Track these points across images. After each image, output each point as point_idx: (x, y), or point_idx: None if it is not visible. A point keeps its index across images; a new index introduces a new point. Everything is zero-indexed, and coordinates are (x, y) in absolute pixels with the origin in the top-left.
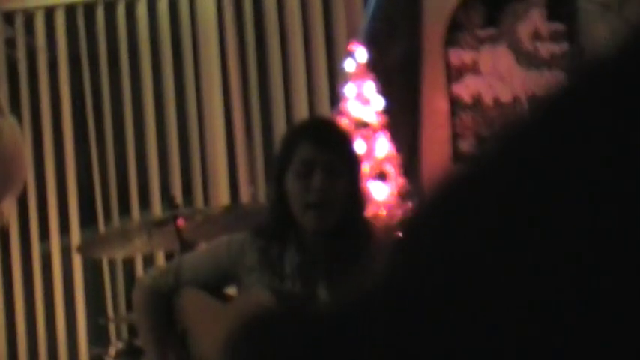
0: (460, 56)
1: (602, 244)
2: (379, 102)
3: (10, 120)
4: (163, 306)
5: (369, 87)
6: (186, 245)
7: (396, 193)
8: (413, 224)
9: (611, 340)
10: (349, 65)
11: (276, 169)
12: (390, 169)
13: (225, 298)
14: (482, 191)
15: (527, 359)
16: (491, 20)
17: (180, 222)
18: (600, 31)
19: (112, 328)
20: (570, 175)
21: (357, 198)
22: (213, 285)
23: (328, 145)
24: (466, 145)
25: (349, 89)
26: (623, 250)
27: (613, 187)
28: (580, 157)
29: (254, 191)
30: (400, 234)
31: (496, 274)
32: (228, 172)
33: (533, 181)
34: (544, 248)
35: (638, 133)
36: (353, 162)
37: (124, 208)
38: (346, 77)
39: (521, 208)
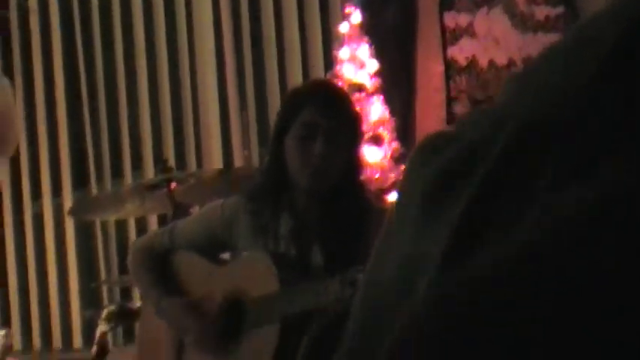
0: (455, 19)
1: None
2: (373, 65)
3: (3, 81)
4: (160, 263)
5: (364, 50)
6: (179, 208)
7: (389, 156)
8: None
9: None
10: (343, 28)
11: (277, 128)
12: (384, 133)
13: (220, 263)
14: None
15: None
16: None
17: (173, 185)
18: None
19: (104, 291)
20: None
21: (355, 163)
22: (207, 250)
23: (332, 111)
24: (461, 109)
25: (343, 52)
26: None
27: None
28: None
29: (247, 155)
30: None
31: None
32: (221, 136)
33: None
34: None
35: None
36: (355, 128)
37: (117, 171)
38: (340, 40)
39: None
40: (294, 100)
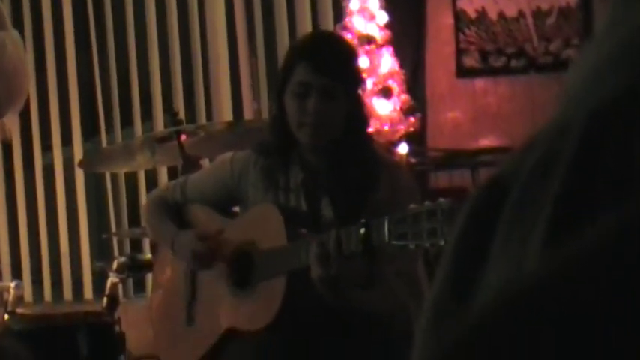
0: None
1: None
2: (383, 17)
3: (13, 34)
4: (173, 214)
5: (374, 2)
6: (189, 161)
7: (399, 108)
8: None
9: None
10: None
11: (276, 87)
12: (394, 85)
13: (231, 216)
14: None
15: None
16: None
17: (183, 138)
18: None
19: (114, 242)
20: None
21: (357, 116)
22: (219, 204)
23: (325, 68)
24: (470, 61)
25: (353, 4)
26: None
27: None
28: None
29: (257, 107)
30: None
31: None
32: (231, 88)
33: None
34: None
35: None
36: (352, 81)
37: (127, 123)
38: None
39: None
40: (289, 58)
